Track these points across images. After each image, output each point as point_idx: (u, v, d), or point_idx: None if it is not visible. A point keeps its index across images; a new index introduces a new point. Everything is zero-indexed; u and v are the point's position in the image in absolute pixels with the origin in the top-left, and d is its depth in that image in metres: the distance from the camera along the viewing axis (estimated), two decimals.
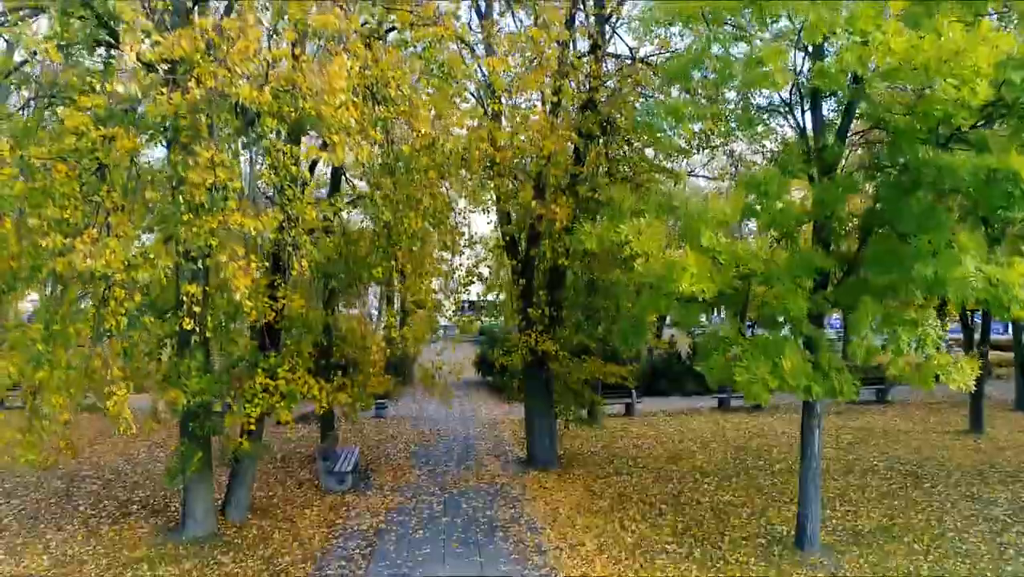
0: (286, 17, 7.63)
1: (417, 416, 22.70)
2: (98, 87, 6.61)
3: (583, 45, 14.91)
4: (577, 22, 14.18)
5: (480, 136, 10.66)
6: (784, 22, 9.49)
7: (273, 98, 6.44)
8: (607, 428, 20.52)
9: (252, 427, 10.58)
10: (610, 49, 15.36)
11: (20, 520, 12.44)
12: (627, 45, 16.01)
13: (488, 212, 13.20)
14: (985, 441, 18.54)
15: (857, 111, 10.38)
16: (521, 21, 13.39)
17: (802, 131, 10.38)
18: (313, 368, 11.90)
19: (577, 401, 17.17)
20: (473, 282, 14.17)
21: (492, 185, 12.47)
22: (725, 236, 7.93)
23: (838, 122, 10.64)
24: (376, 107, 8.09)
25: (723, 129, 9.98)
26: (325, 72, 6.24)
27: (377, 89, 7.90)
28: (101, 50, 9.75)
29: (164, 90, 6.38)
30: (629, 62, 14.84)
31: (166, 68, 6.57)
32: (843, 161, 10.30)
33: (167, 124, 7.08)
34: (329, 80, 6.15)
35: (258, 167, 7.40)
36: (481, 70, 9.75)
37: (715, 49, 9.25)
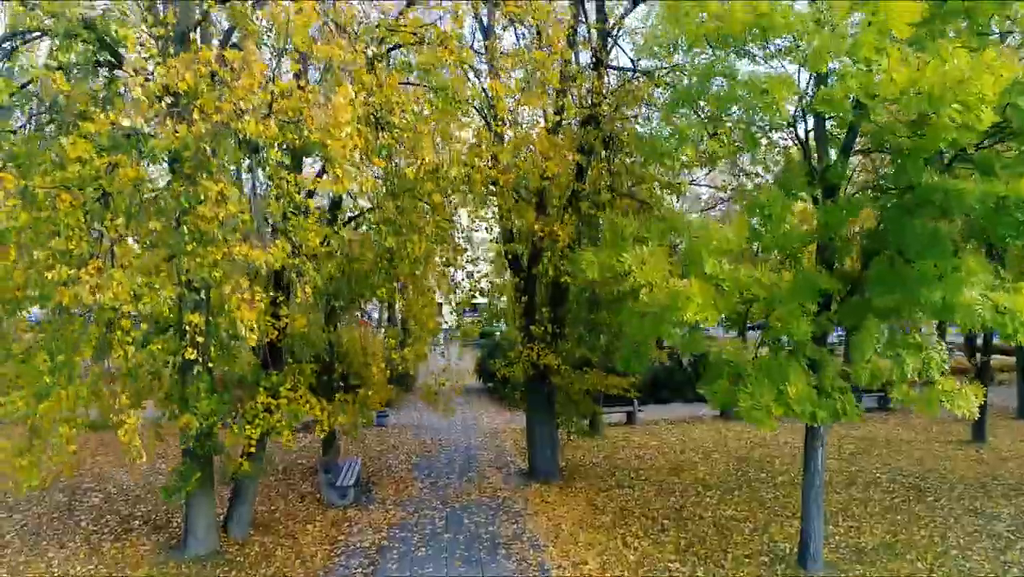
0: (291, 41, 7.60)
1: (418, 424, 22.68)
2: (101, 116, 6.58)
3: (584, 56, 14.91)
4: (579, 35, 14.18)
5: (481, 155, 10.67)
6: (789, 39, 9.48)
7: (278, 130, 6.43)
8: (609, 438, 20.50)
9: (252, 449, 10.56)
10: (612, 59, 15.35)
11: (22, 536, 12.43)
12: (629, 57, 15.93)
13: (491, 230, 13.21)
14: (987, 451, 18.53)
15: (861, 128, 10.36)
16: (524, 35, 13.39)
17: (804, 148, 10.35)
18: (315, 384, 11.89)
19: (579, 412, 17.16)
20: (476, 297, 14.15)
21: (495, 201, 12.47)
22: (729, 262, 7.91)
23: (841, 136, 10.61)
24: (380, 132, 8.07)
25: (726, 146, 9.94)
26: (330, 104, 6.22)
27: (381, 115, 7.89)
28: (103, 70, 9.73)
29: (169, 122, 6.37)
30: (632, 75, 14.82)
31: (170, 101, 6.56)
32: (846, 180, 10.28)
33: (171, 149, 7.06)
34: (334, 114, 6.14)
35: (260, 191, 7.35)
36: (485, 92, 9.73)
37: (718, 71, 9.22)
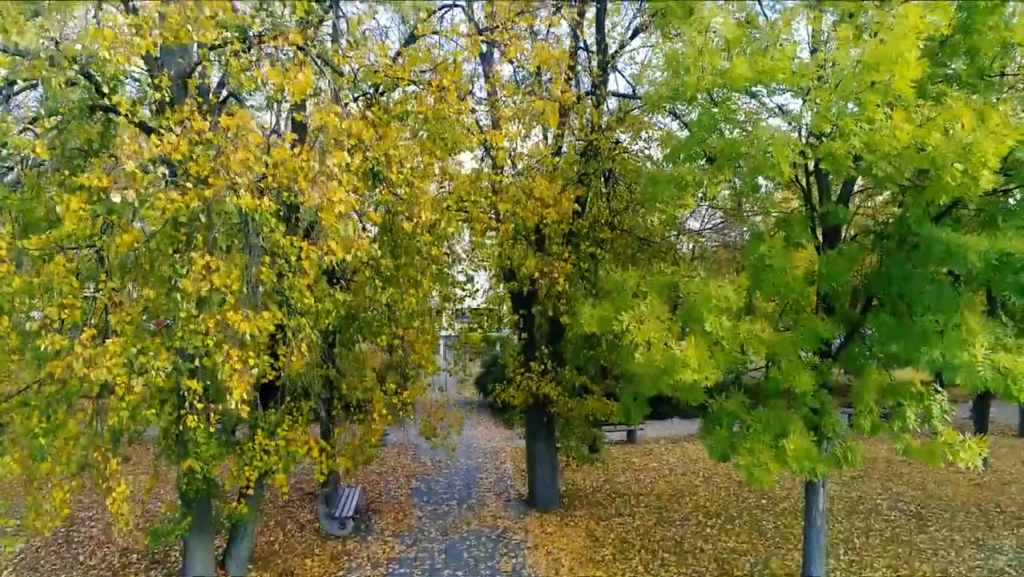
0: (287, 96, 7.53)
1: (417, 443, 22.53)
2: (95, 181, 6.51)
3: (584, 80, 14.80)
4: (579, 60, 14.09)
5: (480, 193, 10.62)
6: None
7: (273, 197, 6.37)
8: (608, 458, 20.37)
9: (251, 491, 10.50)
10: (611, 84, 15.25)
11: (19, 571, 12.40)
12: (628, 81, 15.86)
13: (489, 268, 13.19)
14: (989, 474, 18.43)
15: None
16: (522, 67, 13.31)
17: (806, 192, 10.28)
18: (314, 417, 11.79)
19: (579, 437, 17.09)
20: (476, 329, 14.12)
21: (493, 239, 12.42)
22: (728, 318, 7.84)
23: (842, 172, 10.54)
24: (378, 184, 8.01)
25: (726, 196, 9.89)
26: (324, 178, 6.15)
27: (379, 168, 7.82)
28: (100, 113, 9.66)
29: (162, 196, 6.31)
30: (633, 102, 14.72)
31: (164, 172, 6.50)
32: (848, 222, 10.22)
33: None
34: (328, 195, 6.08)
35: (256, 256, 7.27)
36: (486, 141, 9.67)
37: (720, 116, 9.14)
